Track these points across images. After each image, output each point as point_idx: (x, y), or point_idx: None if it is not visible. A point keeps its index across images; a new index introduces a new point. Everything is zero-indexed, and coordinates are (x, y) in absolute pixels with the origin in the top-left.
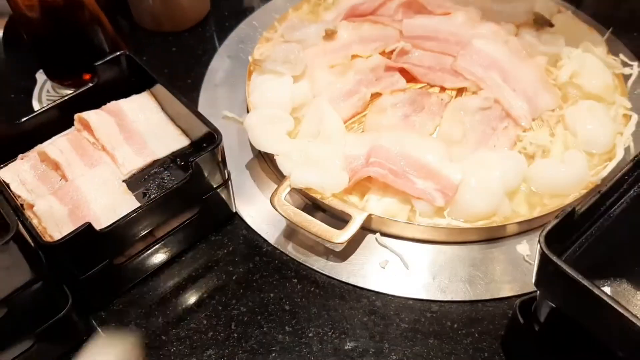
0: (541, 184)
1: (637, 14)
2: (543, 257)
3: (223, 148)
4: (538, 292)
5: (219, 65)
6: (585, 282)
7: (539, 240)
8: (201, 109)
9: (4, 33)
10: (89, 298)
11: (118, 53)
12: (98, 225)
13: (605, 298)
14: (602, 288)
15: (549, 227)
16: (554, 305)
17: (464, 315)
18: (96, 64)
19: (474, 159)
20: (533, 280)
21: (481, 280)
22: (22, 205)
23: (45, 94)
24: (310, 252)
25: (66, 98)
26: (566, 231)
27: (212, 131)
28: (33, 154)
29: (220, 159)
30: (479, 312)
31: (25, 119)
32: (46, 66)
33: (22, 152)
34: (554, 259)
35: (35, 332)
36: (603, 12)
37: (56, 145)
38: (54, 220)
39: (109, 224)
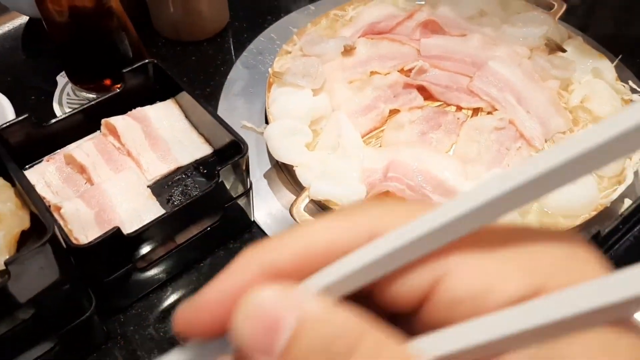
0: (553, 205)
1: None
2: None
3: (248, 158)
4: None
5: (238, 75)
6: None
7: None
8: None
9: (23, 35)
10: (110, 301)
11: (146, 61)
12: (124, 230)
13: None
14: None
15: None
16: None
17: None
18: (124, 70)
19: (488, 177)
20: None
21: None
22: (48, 206)
23: (65, 97)
24: None
25: (92, 103)
26: None
27: (238, 141)
28: (59, 156)
29: (244, 169)
30: None
31: (53, 121)
32: (69, 70)
33: (48, 155)
34: None
35: (58, 333)
36: (612, 39)
37: (82, 149)
38: (80, 223)
39: (134, 228)
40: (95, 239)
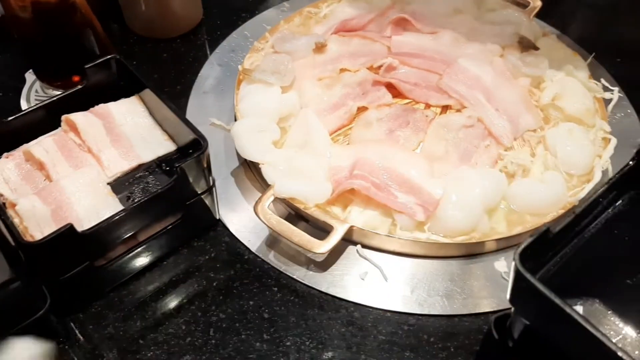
0: (520, 203)
1: (619, 40)
2: (517, 275)
3: (209, 155)
4: (512, 308)
5: (209, 72)
6: (558, 301)
7: (513, 258)
8: (189, 115)
9: None
10: (67, 299)
11: (108, 57)
12: (80, 227)
13: (577, 317)
14: (575, 307)
15: (523, 245)
16: (527, 323)
17: (440, 329)
18: (86, 66)
19: (456, 176)
20: (507, 297)
21: (459, 295)
22: (4, 203)
23: (33, 94)
24: (291, 262)
25: (54, 99)
26: (541, 250)
27: (198, 137)
28: (18, 153)
29: (205, 166)
30: (456, 327)
31: (11, 117)
32: (36, 67)
33: (7, 151)
34: (528, 276)
35: (11, 332)
36: (586, 38)
37: (42, 145)
38: (35, 220)
39: (91, 225)
40: (46, 236)
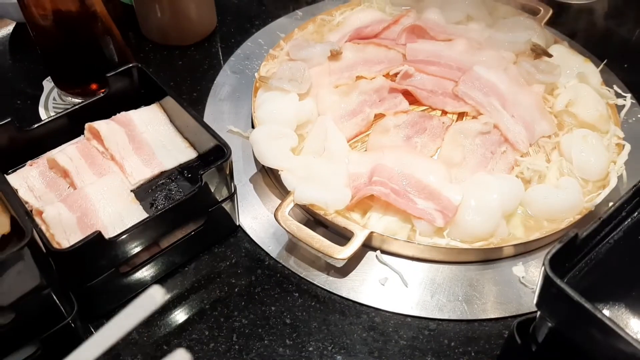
0: (537, 208)
1: (630, 47)
2: (546, 279)
3: (231, 162)
4: (538, 312)
5: (225, 80)
6: (588, 305)
7: (543, 263)
8: (206, 122)
9: (11, 40)
10: (93, 306)
11: (130, 65)
12: (106, 234)
13: (606, 320)
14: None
15: (553, 251)
16: (552, 326)
17: (460, 333)
18: (108, 75)
19: (473, 182)
20: (534, 301)
21: (478, 300)
22: (30, 211)
23: (51, 101)
24: (312, 267)
25: (76, 107)
26: (568, 255)
27: (222, 145)
28: (42, 160)
29: (228, 173)
30: (475, 332)
31: (36, 125)
32: (55, 74)
33: (31, 159)
34: (557, 281)
35: (40, 338)
36: (597, 45)
37: (65, 153)
38: (62, 227)
39: (116, 232)
40: (76, 244)
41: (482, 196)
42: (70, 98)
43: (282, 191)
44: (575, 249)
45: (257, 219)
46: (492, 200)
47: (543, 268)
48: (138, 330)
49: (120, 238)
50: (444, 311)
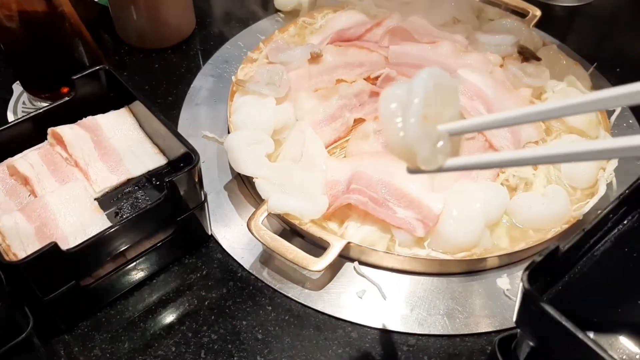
0: (523, 218)
1: (621, 50)
2: (525, 297)
3: (200, 169)
4: (518, 330)
5: (202, 84)
6: (568, 325)
7: (521, 279)
8: (181, 127)
9: None
10: (52, 320)
11: (97, 67)
12: (66, 245)
13: (588, 342)
14: (586, 330)
15: (532, 266)
16: (534, 345)
17: (441, 350)
18: (74, 77)
19: (456, 190)
20: (514, 319)
21: (460, 314)
22: None
23: (21, 106)
24: (286, 279)
25: (41, 111)
26: (549, 269)
27: (190, 151)
28: (2, 167)
29: (197, 180)
30: (457, 347)
31: None
32: (23, 78)
33: None
34: (537, 299)
35: None
36: (587, 48)
37: (27, 160)
38: (19, 238)
39: (77, 243)
40: (28, 256)
41: (464, 205)
42: (40, 102)
43: (258, 199)
44: (557, 262)
45: (231, 228)
46: (475, 209)
47: (521, 284)
48: (101, 346)
49: (80, 249)
50: (424, 326)
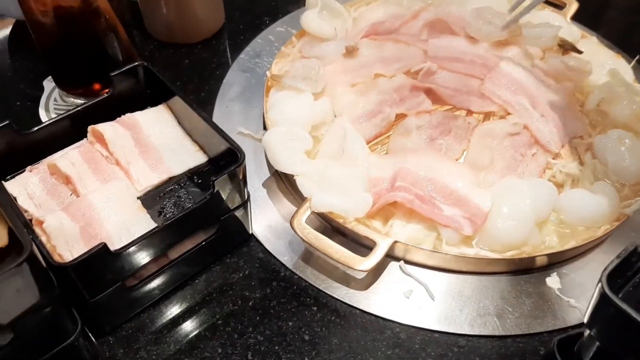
0: (571, 214)
1: None
2: (603, 298)
3: (245, 167)
4: (586, 332)
5: (234, 79)
6: None
7: (600, 279)
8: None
9: (10, 38)
10: (97, 322)
11: (135, 63)
12: (111, 245)
13: None
14: None
15: (612, 266)
16: (605, 347)
17: (493, 351)
18: (112, 74)
19: (503, 186)
20: (585, 320)
21: (510, 314)
22: (30, 220)
23: (52, 102)
24: (330, 279)
25: (79, 108)
26: (625, 270)
27: (234, 149)
28: (42, 166)
29: (241, 179)
30: (509, 348)
31: (35, 128)
32: (56, 74)
33: (31, 164)
34: (616, 300)
35: (42, 359)
36: (626, 40)
37: (67, 158)
38: (64, 238)
39: (122, 243)
40: (80, 257)
41: (513, 202)
42: (72, 99)
43: (298, 197)
44: (632, 263)
45: (272, 227)
46: (524, 206)
47: (600, 285)
48: (146, 348)
49: (127, 250)
50: (474, 326)
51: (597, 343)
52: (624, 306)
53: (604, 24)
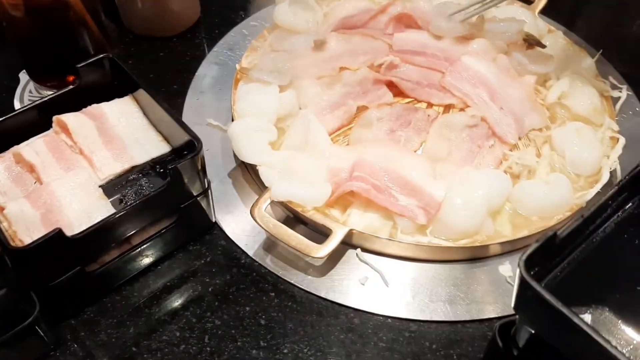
0: (525, 205)
1: (627, 37)
2: (522, 282)
3: (203, 156)
4: (517, 316)
5: (207, 72)
6: (565, 310)
7: (518, 264)
8: (186, 115)
9: None
10: (58, 306)
11: (101, 55)
12: (71, 231)
13: (585, 327)
14: (583, 315)
15: (529, 251)
16: (533, 331)
17: (443, 336)
18: (78, 65)
19: (459, 177)
20: (512, 304)
21: (462, 301)
22: None
23: (27, 94)
24: (289, 266)
25: (46, 99)
26: (547, 255)
27: (193, 139)
28: (8, 154)
29: (200, 167)
30: (459, 334)
31: (2, 118)
32: (29, 66)
33: None
34: (534, 284)
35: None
36: (593, 34)
37: (32, 147)
38: (25, 224)
39: (82, 229)
40: (34, 241)
41: (466, 192)
42: (46, 91)
43: (261, 187)
44: (555, 248)
45: (235, 215)
46: (477, 196)
47: (518, 270)
48: (107, 331)
49: (84, 235)
50: (425, 312)
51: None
52: (540, 289)
53: (574, 19)
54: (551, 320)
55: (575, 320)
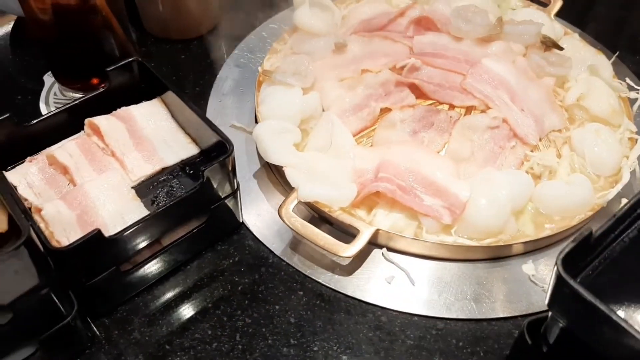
0: (547, 205)
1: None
2: (559, 279)
3: (234, 158)
4: (550, 313)
5: (228, 74)
6: (601, 305)
7: (555, 262)
8: (209, 117)
9: (11, 34)
10: (93, 305)
11: (130, 59)
12: (106, 231)
13: (620, 321)
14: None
15: (567, 250)
16: (564, 327)
17: (469, 333)
18: (108, 69)
19: (482, 178)
20: (546, 301)
21: (487, 299)
22: (29, 208)
23: (52, 96)
24: (316, 265)
25: (77, 102)
26: (582, 253)
27: (224, 140)
28: (42, 157)
29: (230, 169)
30: (484, 331)
31: (35, 121)
32: (55, 69)
33: (31, 155)
34: (570, 281)
35: (39, 339)
36: (608, 36)
37: (65, 149)
38: (61, 225)
39: (117, 230)
40: (75, 242)
41: (490, 192)
42: (71, 93)
43: (287, 188)
44: (589, 247)
45: (261, 215)
46: (500, 196)
47: (555, 268)
48: (140, 329)
49: (121, 236)
50: (451, 310)
51: (560, 323)
52: (577, 286)
53: (588, 20)
54: (586, 316)
55: (610, 313)
